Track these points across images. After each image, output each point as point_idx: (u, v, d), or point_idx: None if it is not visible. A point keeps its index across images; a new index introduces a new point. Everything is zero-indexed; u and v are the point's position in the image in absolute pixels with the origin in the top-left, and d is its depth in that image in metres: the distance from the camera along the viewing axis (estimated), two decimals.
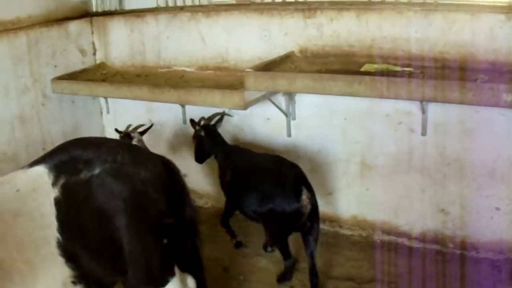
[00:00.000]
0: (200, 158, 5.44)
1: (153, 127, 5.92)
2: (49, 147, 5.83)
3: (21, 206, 3.00)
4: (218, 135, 5.40)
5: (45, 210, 3.04)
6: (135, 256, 3.19)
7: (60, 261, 3.02)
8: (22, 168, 3.21)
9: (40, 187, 3.09)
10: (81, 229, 3.09)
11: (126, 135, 5.55)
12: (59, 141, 5.78)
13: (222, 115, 5.47)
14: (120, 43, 6.72)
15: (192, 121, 5.40)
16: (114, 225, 3.13)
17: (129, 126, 5.70)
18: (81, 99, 6.70)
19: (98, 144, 3.52)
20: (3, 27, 5.98)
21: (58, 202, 3.05)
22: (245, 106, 4.97)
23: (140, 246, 3.21)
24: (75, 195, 3.10)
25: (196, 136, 5.40)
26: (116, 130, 5.72)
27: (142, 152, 3.69)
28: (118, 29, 6.69)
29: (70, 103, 6.67)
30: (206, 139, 5.37)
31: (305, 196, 4.41)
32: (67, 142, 3.52)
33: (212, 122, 5.44)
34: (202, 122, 5.40)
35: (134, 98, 5.86)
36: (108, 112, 6.91)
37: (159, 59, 6.41)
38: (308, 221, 4.48)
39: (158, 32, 6.31)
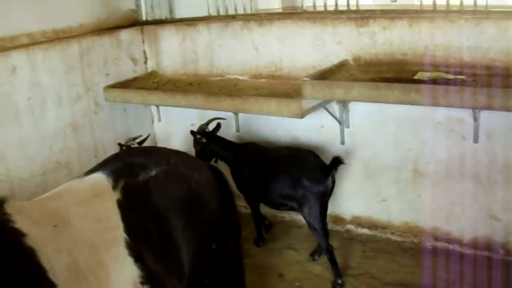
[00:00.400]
0: (204, 160, 5.79)
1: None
2: (101, 155, 6.38)
3: (87, 210, 3.18)
4: (222, 138, 6.00)
5: (111, 213, 3.24)
6: (188, 258, 3.45)
7: (129, 261, 3.19)
8: (78, 177, 3.49)
9: (102, 192, 3.31)
10: (144, 229, 3.31)
11: (127, 147, 5.95)
12: (110, 148, 6.28)
13: (219, 123, 6.06)
14: (172, 52, 7.01)
15: (192, 132, 5.94)
16: (171, 224, 3.39)
17: (128, 138, 6.11)
18: (133, 107, 6.99)
19: (149, 151, 4.01)
20: (55, 36, 6.31)
21: (121, 204, 3.26)
22: (302, 115, 5.13)
23: (192, 248, 3.46)
24: (135, 196, 3.35)
25: (198, 143, 5.96)
26: (119, 144, 6.18)
27: (192, 157, 4.10)
28: (169, 38, 6.97)
29: (122, 111, 6.97)
30: (210, 144, 5.91)
31: (331, 177, 5.12)
32: (118, 153, 4.00)
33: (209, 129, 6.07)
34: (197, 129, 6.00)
35: (189, 106, 6.07)
36: (159, 120, 7.17)
37: (212, 67, 6.65)
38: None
39: (211, 40, 6.56)
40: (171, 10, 7.24)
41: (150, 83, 6.95)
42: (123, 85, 6.73)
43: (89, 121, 6.62)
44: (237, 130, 6.53)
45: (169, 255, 3.41)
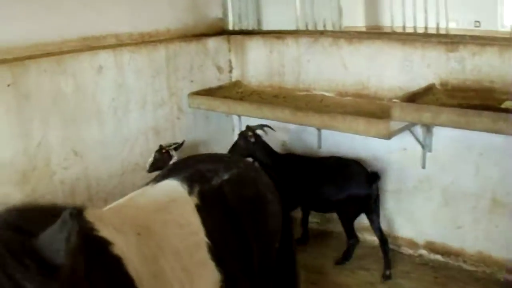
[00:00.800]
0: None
1: (287, 146, 6.70)
2: None
3: (167, 216, 3.31)
4: (267, 144, 6.52)
5: (191, 218, 3.40)
6: (257, 257, 3.69)
7: (211, 265, 3.34)
8: (148, 184, 3.68)
9: (179, 197, 3.48)
10: (223, 232, 3.50)
11: (166, 153, 6.20)
12: (190, 155, 6.62)
13: (264, 130, 6.47)
14: (258, 63, 7.33)
15: (248, 127, 6.44)
16: (244, 225, 3.63)
17: (161, 146, 6.28)
18: (215, 116, 7.37)
19: (214, 157, 4.37)
20: (141, 39, 6.74)
21: (199, 209, 3.43)
22: (389, 136, 5.28)
23: (260, 247, 3.72)
24: (212, 200, 3.54)
25: (245, 140, 6.39)
26: (160, 146, 6.33)
27: (250, 162, 4.49)
28: (256, 49, 7.33)
29: (204, 119, 7.36)
30: (255, 146, 6.39)
31: (375, 184, 5.82)
32: (182, 160, 4.25)
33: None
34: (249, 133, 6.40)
35: (275, 119, 6.26)
36: (240, 130, 7.21)
37: (298, 81, 6.91)
38: (374, 203, 5.97)
39: (299, 54, 6.81)
40: (259, 22, 7.63)
41: (234, 93, 7.30)
42: (208, 92, 7.03)
43: (171, 126, 7.03)
44: (319, 147, 6.80)
45: (244, 256, 3.63)
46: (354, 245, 6.20)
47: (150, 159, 6.20)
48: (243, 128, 6.81)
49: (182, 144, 6.41)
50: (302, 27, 6.99)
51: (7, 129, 5.55)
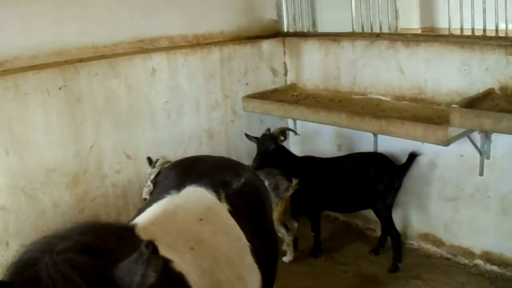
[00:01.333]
0: (264, 163, 6.25)
1: (341, 151, 6.64)
2: None
3: (212, 226, 3.36)
4: (288, 150, 6.64)
5: (230, 223, 3.48)
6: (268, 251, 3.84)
7: (256, 268, 3.47)
8: (168, 193, 3.56)
9: (213, 204, 3.53)
10: (256, 233, 3.64)
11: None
12: (243, 159, 6.56)
13: (286, 134, 6.52)
14: (313, 66, 7.24)
15: (284, 129, 6.49)
16: (263, 221, 3.89)
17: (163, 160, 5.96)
18: (270, 119, 7.22)
19: (215, 160, 4.42)
20: (196, 41, 6.77)
21: (232, 214, 3.52)
22: (447, 142, 5.21)
23: (267, 240, 3.88)
24: (237, 204, 3.63)
25: (274, 141, 6.35)
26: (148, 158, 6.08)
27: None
28: (312, 52, 7.24)
29: (259, 122, 7.32)
30: (280, 149, 6.42)
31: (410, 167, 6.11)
32: (183, 166, 4.12)
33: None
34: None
35: (332, 124, 6.28)
36: (295, 134, 7.25)
37: (354, 85, 6.79)
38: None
39: (354, 57, 6.72)
40: (313, 23, 7.54)
41: (289, 96, 7.22)
42: (262, 96, 7.03)
43: (225, 129, 7.05)
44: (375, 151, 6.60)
45: (269, 252, 3.85)
46: (398, 238, 6.15)
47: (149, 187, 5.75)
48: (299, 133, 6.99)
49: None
50: (357, 29, 6.85)
51: (58, 132, 5.62)
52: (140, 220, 3.23)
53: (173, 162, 4.45)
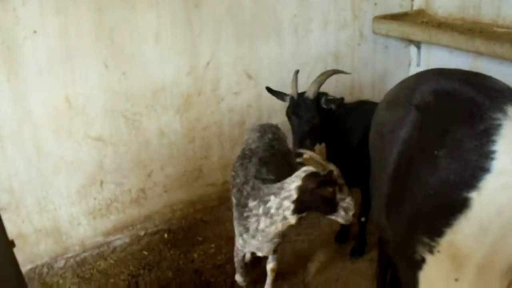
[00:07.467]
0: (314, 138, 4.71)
1: None
2: (356, 94, 6.34)
3: None
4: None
5: None
6: None
7: None
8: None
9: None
10: None
11: None
12: (366, 88, 6.29)
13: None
14: None
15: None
16: None
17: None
18: (394, 46, 6.81)
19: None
20: None
21: None
22: None
23: None
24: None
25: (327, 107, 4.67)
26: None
27: None
28: None
29: (383, 48, 6.80)
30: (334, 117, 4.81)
31: None
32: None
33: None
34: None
35: (492, 55, 5.41)
36: (417, 64, 6.83)
37: (498, 16, 6.00)
38: None
39: None
40: None
41: (419, 23, 6.56)
42: (394, 18, 6.49)
43: (351, 52, 6.55)
44: None
45: None
46: None
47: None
48: (422, 63, 6.61)
49: None
50: None
51: (171, 43, 5.16)
52: None
53: None
